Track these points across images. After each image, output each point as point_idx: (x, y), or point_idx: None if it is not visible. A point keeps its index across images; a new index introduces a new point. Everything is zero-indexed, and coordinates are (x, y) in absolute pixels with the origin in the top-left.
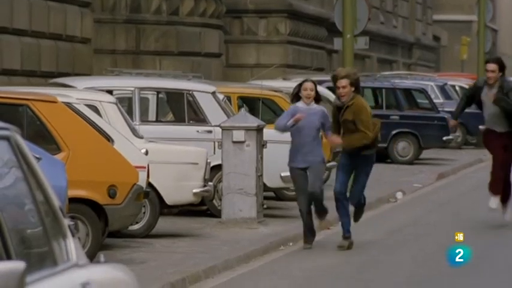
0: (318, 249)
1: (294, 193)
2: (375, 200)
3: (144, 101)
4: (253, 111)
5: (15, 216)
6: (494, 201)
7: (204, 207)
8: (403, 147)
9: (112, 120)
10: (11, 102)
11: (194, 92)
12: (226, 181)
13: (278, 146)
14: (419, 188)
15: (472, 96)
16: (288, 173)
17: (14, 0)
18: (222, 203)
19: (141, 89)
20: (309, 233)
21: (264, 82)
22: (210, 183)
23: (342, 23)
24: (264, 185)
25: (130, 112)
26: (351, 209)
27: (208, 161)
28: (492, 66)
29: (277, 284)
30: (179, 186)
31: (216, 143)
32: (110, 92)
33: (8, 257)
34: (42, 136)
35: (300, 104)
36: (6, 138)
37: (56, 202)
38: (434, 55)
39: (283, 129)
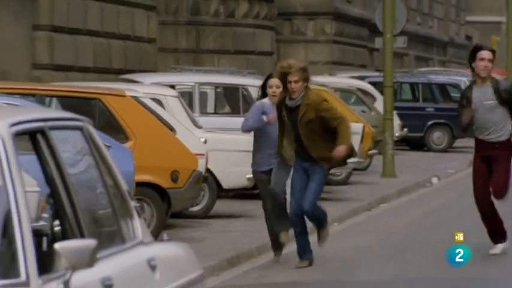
0: (360, 230)
1: (339, 177)
2: (413, 185)
3: (203, 95)
4: None
5: (88, 198)
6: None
7: (256, 191)
8: (438, 137)
9: (174, 112)
10: (84, 96)
11: (248, 87)
12: None
13: None
14: (453, 173)
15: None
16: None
17: (88, 5)
18: None
19: (201, 84)
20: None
21: (311, 78)
22: None
23: (383, 23)
24: None
25: (190, 105)
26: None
27: None
28: (489, 54)
29: (323, 260)
30: (234, 171)
31: None
32: (172, 86)
33: (82, 235)
34: (112, 127)
35: (266, 100)
36: (80, 129)
37: (124, 186)
38: (467, 53)
39: (249, 128)
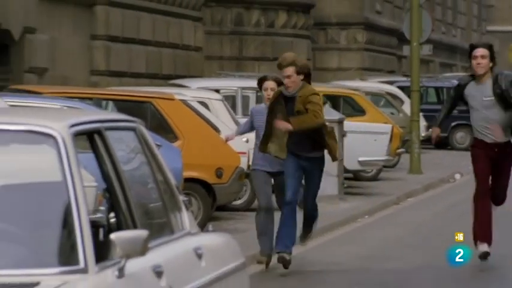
0: (389, 222)
1: (370, 174)
2: (437, 181)
3: (245, 98)
4: (335, 106)
5: (140, 193)
6: (484, 246)
7: None
8: (461, 136)
9: (219, 114)
10: (137, 100)
11: None
12: None
13: (356, 135)
14: None
15: (457, 98)
16: (365, 158)
17: (140, 17)
18: None
19: (243, 88)
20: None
21: (344, 82)
22: None
23: (410, 33)
24: (344, 167)
25: (234, 107)
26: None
27: None
28: (482, 50)
29: (355, 249)
30: None
31: None
32: (217, 91)
33: (135, 226)
34: (162, 127)
35: (261, 105)
36: (133, 129)
37: (173, 181)
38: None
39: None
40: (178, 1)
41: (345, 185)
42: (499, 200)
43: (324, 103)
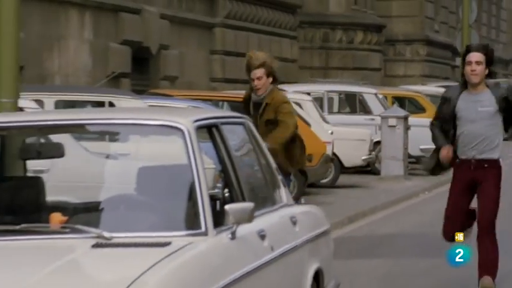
0: (444, 197)
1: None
2: None
3: (330, 99)
4: (402, 106)
5: (248, 173)
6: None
7: (369, 168)
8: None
9: (309, 112)
10: (240, 101)
11: (363, 93)
12: (384, 151)
13: (418, 128)
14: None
15: (451, 115)
16: (425, 146)
17: (249, 36)
18: (381, 166)
19: (329, 91)
20: None
21: (409, 87)
22: (373, 152)
23: (461, 47)
24: (409, 154)
25: (321, 106)
26: None
27: (372, 138)
28: (477, 55)
29: (417, 218)
30: (353, 154)
31: (377, 127)
32: (308, 93)
33: (243, 199)
34: None
35: None
36: (242, 124)
37: (274, 165)
38: None
39: None
40: (278, 23)
41: (409, 167)
42: (482, 223)
43: (393, 103)
